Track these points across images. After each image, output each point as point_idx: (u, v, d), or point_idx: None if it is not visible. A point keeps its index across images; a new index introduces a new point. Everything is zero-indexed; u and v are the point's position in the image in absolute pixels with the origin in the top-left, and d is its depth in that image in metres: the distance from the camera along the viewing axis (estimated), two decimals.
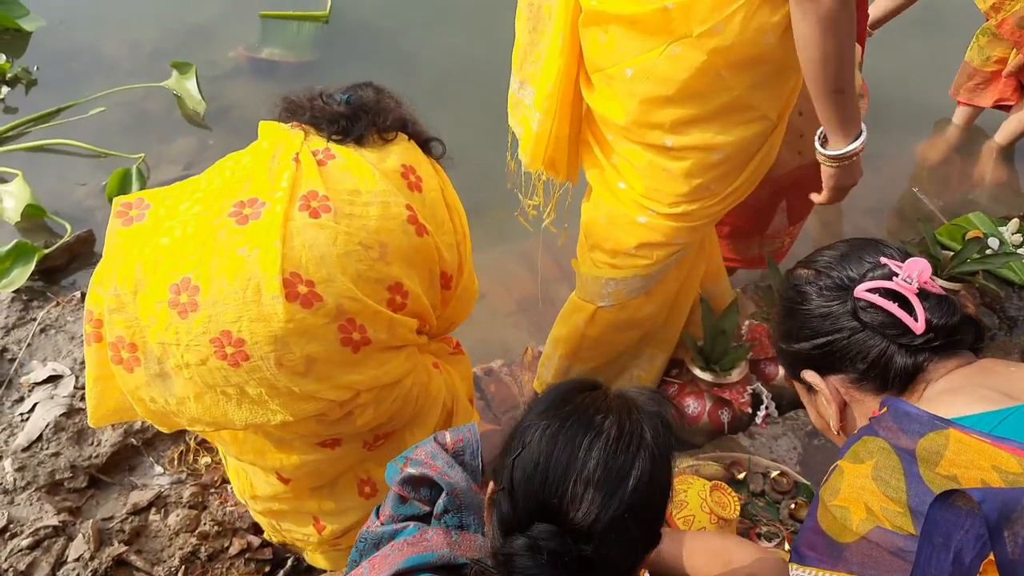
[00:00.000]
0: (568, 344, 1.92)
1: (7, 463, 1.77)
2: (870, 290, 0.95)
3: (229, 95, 3.24)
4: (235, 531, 1.71)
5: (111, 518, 1.72)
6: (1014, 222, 2.57)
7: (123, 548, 1.64)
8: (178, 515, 1.71)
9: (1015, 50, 2.85)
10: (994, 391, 0.87)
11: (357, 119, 1.27)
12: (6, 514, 1.68)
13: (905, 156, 3.23)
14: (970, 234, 2.43)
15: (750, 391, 2.04)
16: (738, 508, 1.59)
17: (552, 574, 0.74)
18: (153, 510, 1.74)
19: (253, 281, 1.09)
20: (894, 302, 0.93)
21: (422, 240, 1.23)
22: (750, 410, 2.04)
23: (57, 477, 1.76)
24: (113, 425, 1.84)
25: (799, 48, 1.30)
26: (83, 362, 1.95)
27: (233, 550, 1.68)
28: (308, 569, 1.71)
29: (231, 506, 1.74)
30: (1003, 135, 3.18)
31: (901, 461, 0.83)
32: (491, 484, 0.84)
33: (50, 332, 2.12)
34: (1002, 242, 2.52)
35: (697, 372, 2.02)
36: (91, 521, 1.69)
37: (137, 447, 1.85)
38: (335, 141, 1.25)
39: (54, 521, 1.67)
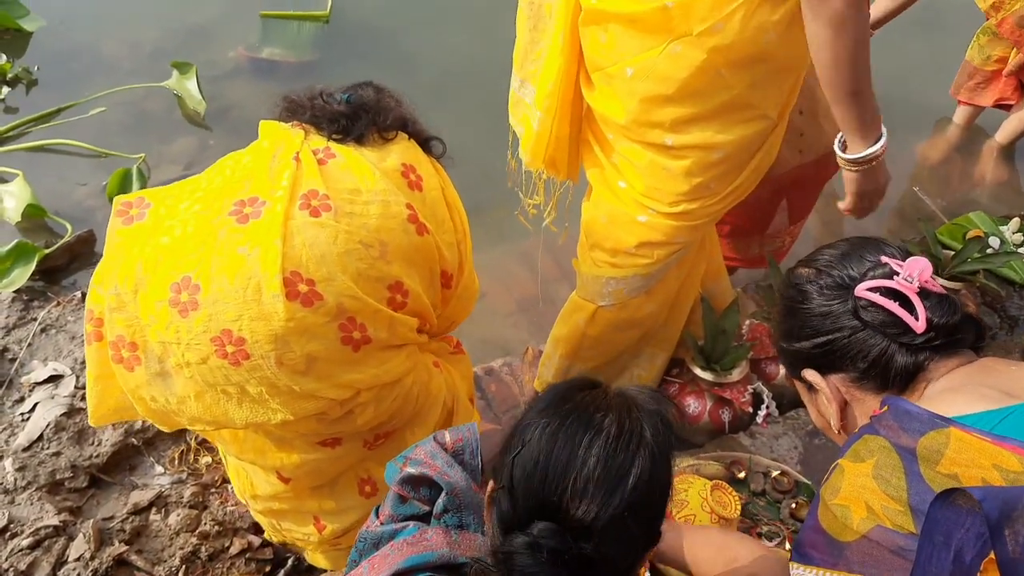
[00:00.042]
0: (569, 343, 1.92)
1: (8, 463, 1.77)
2: (871, 289, 0.95)
3: (229, 95, 3.24)
4: (235, 531, 1.71)
5: (112, 518, 1.72)
6: (1015, 221, 2.57)
7: (124, 548, 1.64)
8: (179, 515, 1.71)
9: (1015, 49, 2.85)
10: (995, 390, 0.87)
11: (357, 118, 1.27)
12: (7, 514, 1.68)
13: (906, 156, 3.23)
14: (971, 233, 2.43)
15: (751, 390, 2.04)
16: (739, 507, 1.59)
17: (552, 572, 0.74)
18: (154, 510, 1.74)
19: (253, 280, 1.09)
20: (895, 301, 0.93)
21: (422, 239, 1.23)
22: (751, 409, 2.04)
23: (58, 477, 1.76)
24: (114, 425, 1.84)
25: (811, 50, 1.28)
26: (84, 362, 1.96)
27: (234, 550, 1.68)
28: (308, 569, 1.71)
29: (232, 506, 1.74)
30: (1003, 134, 3.18)
31: (902, 460, 0.83)
32: (491, 482, 0.84)
33: (51, 332, 2.12)
34: (1003, 241, 2.52)
35: (698, 371, 2.01)
36: (92, 521, 1.69)
37: (138, 447, 1.85)
38: (335, 140, 1.25)
39: (55, 521, 1.67)
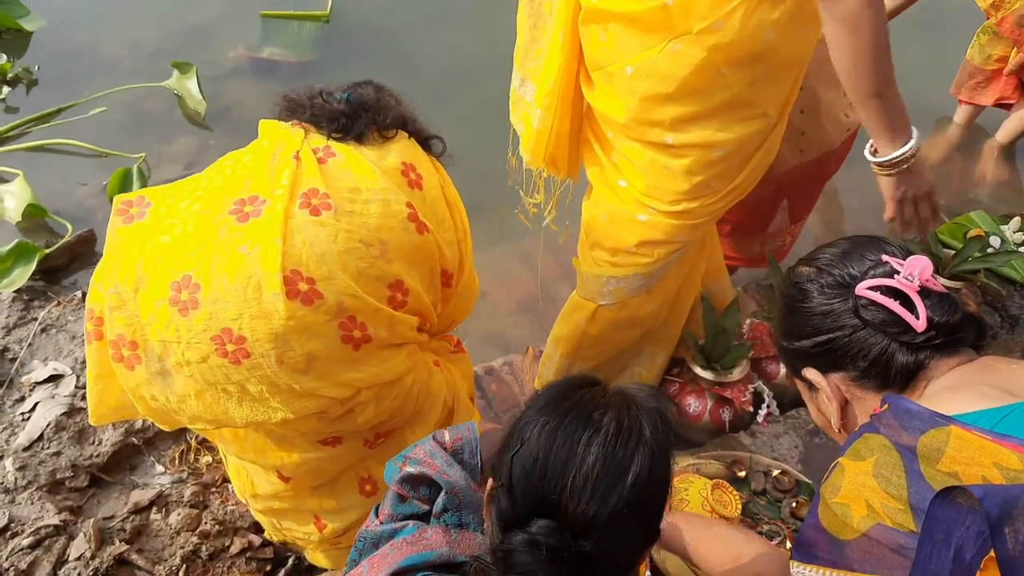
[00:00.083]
0: (569, 343, 1.92)
1: (8, 462, 1.77)
2: (871, 288, 0.95)
3: (230, 95, 3.24)
4: (236, 530, 1.71)
5: (112, 517, 1.72)
6: (1015, 220, 2.56)
7: (124, 547, 1.64)
8: (179, 514, 1.71)
9: (1016, 48, 2.85)
10: (995, 388, 0.87)
11: (357, 117, 1.27)
12: (7, 513, 1.68)
13: None
14: (971, 232, 2.43)
15: (751, 389, 2.04)
16: (739, 506, 1.59)
17: (551, 570, 0.74)
18: (154, 509, 1.74)
19: (254, 278, 1.09)
20: (895, 300, 0.93)
21: (423, 238, 1.23)
22: (751, 409, 2.04)
23: (58, 476, 1.76)
24: (114, 424, 1.84)
25: (831, 52, 1.25)
26: (84, 361, 1.96)
27: (234, 549, 1.68)
28: (309, 568, 1.71)
29: (232, 505, 1.74)
30: (1004, 134, 3.18)
31: (902, 458, 0.83)
32: (490, 481, 0.84)
33: (51, 332, 2.12)
34: (1003, 240, 2.51)
35: (698, 371, 2.01)
36: (92, 520, 1.69)
37: (138, 446, 1.85)
38: (335, 139, 1.25)
39: (55, 520, 1.67)
